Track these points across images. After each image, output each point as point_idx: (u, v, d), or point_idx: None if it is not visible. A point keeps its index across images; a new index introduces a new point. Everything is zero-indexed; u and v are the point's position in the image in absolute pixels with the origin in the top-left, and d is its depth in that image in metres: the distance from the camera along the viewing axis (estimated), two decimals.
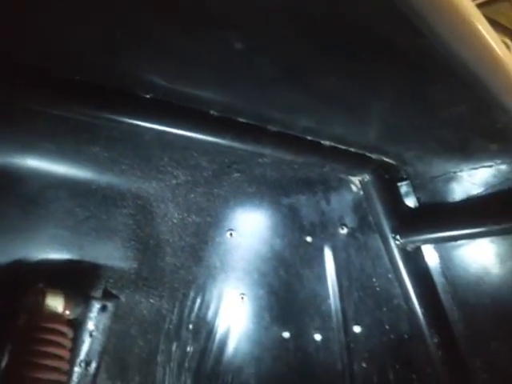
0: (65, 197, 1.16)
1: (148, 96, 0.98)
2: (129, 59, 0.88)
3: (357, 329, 1.37)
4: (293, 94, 0.96)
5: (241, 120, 1.05)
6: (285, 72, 0.88)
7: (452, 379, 1.24)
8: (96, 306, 1.13)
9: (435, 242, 1.19)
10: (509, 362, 1.16)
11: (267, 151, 1.10)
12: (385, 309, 1.31)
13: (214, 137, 1.06)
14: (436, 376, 1.26)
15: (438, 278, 1.23)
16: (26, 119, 1.03)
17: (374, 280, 1.31)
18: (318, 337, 1.42)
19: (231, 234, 1.42)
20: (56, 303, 1.07)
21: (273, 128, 1.08)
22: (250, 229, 1.42)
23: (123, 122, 0.99)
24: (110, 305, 1.15)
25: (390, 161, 1.19)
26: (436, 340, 1.22)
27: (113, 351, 1.30)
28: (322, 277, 1.39)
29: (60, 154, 1.12)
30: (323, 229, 1.36)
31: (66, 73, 0.92)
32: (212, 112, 1.03)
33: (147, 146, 1.16)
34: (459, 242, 1.18)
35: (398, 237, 1.20)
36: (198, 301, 1.44)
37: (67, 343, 1.05)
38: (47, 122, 1.03)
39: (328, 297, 1.39)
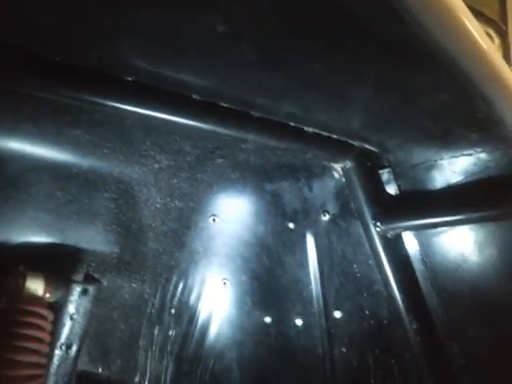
0: (46, 180, 1.15)
1: (130, 79, 0.97)
2: (111, 41, 0.87)
3: (337, 314, 1.38)
4: (276, 80, 0.96)
5: (224, 105, 1.05)
6: (268, 57, 0.88)
7: (430, 365, 1.27)
8: (77, 289, 1.12)
9: (415, 229, 1.21)
10: (486, 349, 1.18)
11: (250, 137, 1.10)
12: (365, 294, 1.33)
13: (196, 121, 1.05)
14: (414, 361, 1.28)
15: (417, 265, 1.25)
16: (7, 101, 1.02)
17: (355, 266, 1.32)
18: (299, 322, 1.44)
19: (214, 220, 1.42)
20: (36, 286, 1.06)
21: (256, 113, 1.08)
22: (233, 214, 1.43)
23: (105, 105, 0.98)
24: (91, 288, 1.15)
25: (372, 148, 1.19)
26: (414, 326, 1.24)
27: (94, 335, 1.30)
28: (303, 263, 1.40)
29: (41, 136, 1.11)
30: (305, 215, 1.37)
31: (48, 54, 0.90)
32: (195, 96, 1.03)
33: (129, 130, 1.15)
34: (439, 230, 1.19)
35: (378, 224, 1.21)
36: (181, 286, 1.45)
37: (47, 326, 1.05)
38: (28, 104, 1.02)
39: (309, 283, 1.41)
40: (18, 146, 1.09)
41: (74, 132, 1.11)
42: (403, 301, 1.25)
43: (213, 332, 1.50)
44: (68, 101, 0.97)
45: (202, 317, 1.49)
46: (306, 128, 1.13)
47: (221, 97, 1.04)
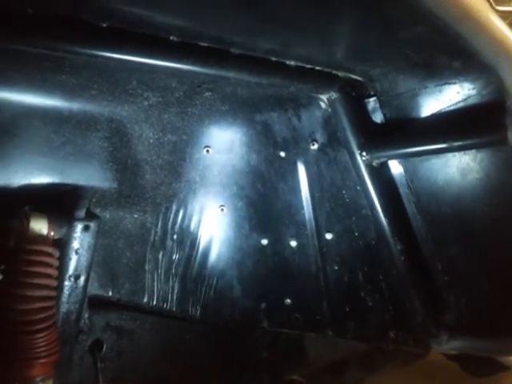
0: (38, 124, 1.19)
1: (105, 25, 0.97)
2: None
3: (329, 236, 1.46)
4: (251, 19, 0.95)
5: (202, 44, 1.05)
6: None
7: (415, 281, 1.36)
8: (79, 226, 1.20)
9: (399, 157, 1.24)
10: (466, 266, 1.26)
11: (231, 74, 1.11)
12: (353, 218, 1.39)
13: (175, 63, 1.06)
14: (401, 277, 1.38)
15: (402, 190, 1.29)
16: None
17: (344, 192, 1.37)
18: (293, 243, 1.52)
19: (208, 151, 1.46)
20: (40, 226, 1.14)
21: (235, 51, 1.07)
22: (226, 145, 1.46)
23: (82, 53, 0.99)
24: (92, 224, 1.23)
25: (357, 78, 1.19)
26: (399, 247, 1.31)
27: (102, 263, 1.41)
28: (296, 189, 1.46)
29: (27, 83, 1.12)
30: (295, 144, 1.40)
31: (19, 7, 0.90)
32: (172, 38, 1.02)
33: (113, 71, 1.16)
34: (424, 157, 1.22)
35: (364, 153, 1.24)
36: (181, 213, 1.53)
37: (54, 262, 1.14)
38: (9, 54, 1.03)
39: (302, 207, 1.47)
40: (5, 94, 1.12)
41: (58, 77, 1.12)
42: (389, 224, 1.31)
43: (214, 253, 1.60)
44: (42, 51, 0.98)
45: (203, 240, 1.58)
46: (287, 62, 1.13)
47: (198, 37, 1.03)
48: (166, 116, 1.34)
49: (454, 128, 1.11)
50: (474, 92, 1.05)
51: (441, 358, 2.06)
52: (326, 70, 1.16)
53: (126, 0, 0.91)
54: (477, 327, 1.30)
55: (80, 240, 1.21)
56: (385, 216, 1.31)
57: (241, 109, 1.37)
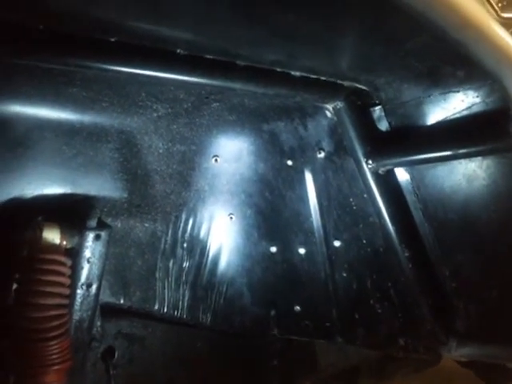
0: (51, 137, 1.22)
1: (113, 39, 1.00)
2: (89, 4, 0.89)
3: (337, 243, 1.47)
4: (256, 31, 0.97)
5: (208, 56, 1.07)
6: (242, 10, 0.89)
7: (423, 287, 1.36)
8: (90, 235, 1.23)
9: (405, 164, 1.25)
10: (474, 271, 1.26)
11: (237, 85, 1.13)
12: (361, 225, 1.40)
13: (183, 75, 1.09)
14: (409, 284, 1.38)
15: (409, 197, 1.30)
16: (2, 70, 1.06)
17: (351, 200, 1.39)
18: (302, 250, 1.54)
19: (216, 160, 1.48)
20: (53, 236, 1.17)
21: (241, 62, 1.09)
22: (234, 154, 1.48)
23: (92, 67, 1.02)
24: (103, 233, 1.26)
25: (362, 87, 1.20)
26: (407, 254, 1.32)
27: (114, 271, 1.44)
28: (303, 197, 1.47)
29: (41, 97, 1.16)
30: (302, 153, 1.41)
31: (30, 22, 0.93)
32: (179, 51, 1.05)
33: (123, 84, 1.19)
34: (429, 164, 1.23)
35: (370, 161, 1.26)
36: (191, 222, 1.55)
37: (66, 271, 1.17)
38: (23, 69, 1.06)
39: (310, 215, 1.49)
40: (20, 108, 1.15)
41: (70, 90, 1.16)
42: (396, 231, 1.32)
43: (223, 261, 1.62)
44: (54, 66, 1.01)
45: (212, 248, 1.60)
46: (293, 72, 1.15)
47: (205, 49, 1.06)
48: (174, 127, 1.37)
49: (459, 135, 1.12)
50: (478, 100, 1.06)
51: (456, 364, 2.05)
52: (331, 79, 1.18)
53: (133, 16, 0.94)
54: (486, 334, 1.30)
55: (92, 249, 1.24)
56: (392, 223, 1.32)
57: (248, 119, 1.39)
